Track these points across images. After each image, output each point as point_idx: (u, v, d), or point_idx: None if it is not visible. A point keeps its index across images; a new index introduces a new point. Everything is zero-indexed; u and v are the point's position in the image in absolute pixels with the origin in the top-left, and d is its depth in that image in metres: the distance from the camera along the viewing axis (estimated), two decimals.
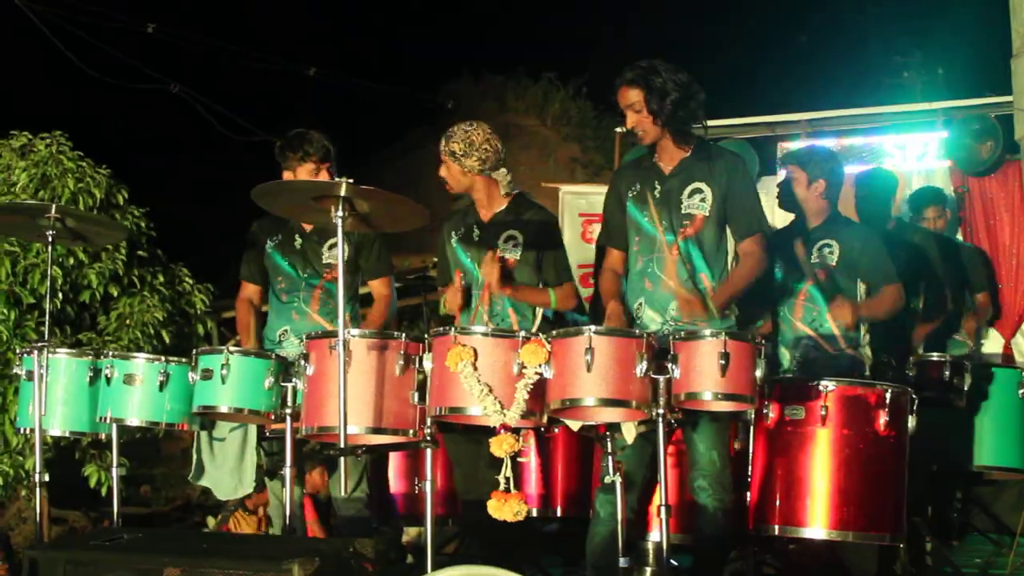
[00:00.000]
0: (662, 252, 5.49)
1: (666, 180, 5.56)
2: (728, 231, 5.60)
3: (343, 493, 5.15)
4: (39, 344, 5.80)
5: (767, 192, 9.62)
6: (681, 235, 5.48)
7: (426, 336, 5.10)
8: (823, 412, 5.47)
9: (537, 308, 6.06)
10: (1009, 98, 8.93)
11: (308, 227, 6.37)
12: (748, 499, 5.68)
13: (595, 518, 5.40)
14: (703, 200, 5.51)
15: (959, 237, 9.52)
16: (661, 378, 4.80)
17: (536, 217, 6.11)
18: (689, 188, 5.51)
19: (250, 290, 6.52)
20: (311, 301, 6.30)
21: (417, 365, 5.06)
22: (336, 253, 6.24)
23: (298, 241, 6.37)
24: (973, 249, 9.01)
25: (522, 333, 4.91)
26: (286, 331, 6.28)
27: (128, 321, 7.65)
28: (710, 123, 10.44)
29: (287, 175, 6.29)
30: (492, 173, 6.05)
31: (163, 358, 5.79)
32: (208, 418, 5.84)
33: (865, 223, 7.14)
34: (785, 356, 6.43)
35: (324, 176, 6.25)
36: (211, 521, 8.13)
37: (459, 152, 6.00)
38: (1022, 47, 8.60)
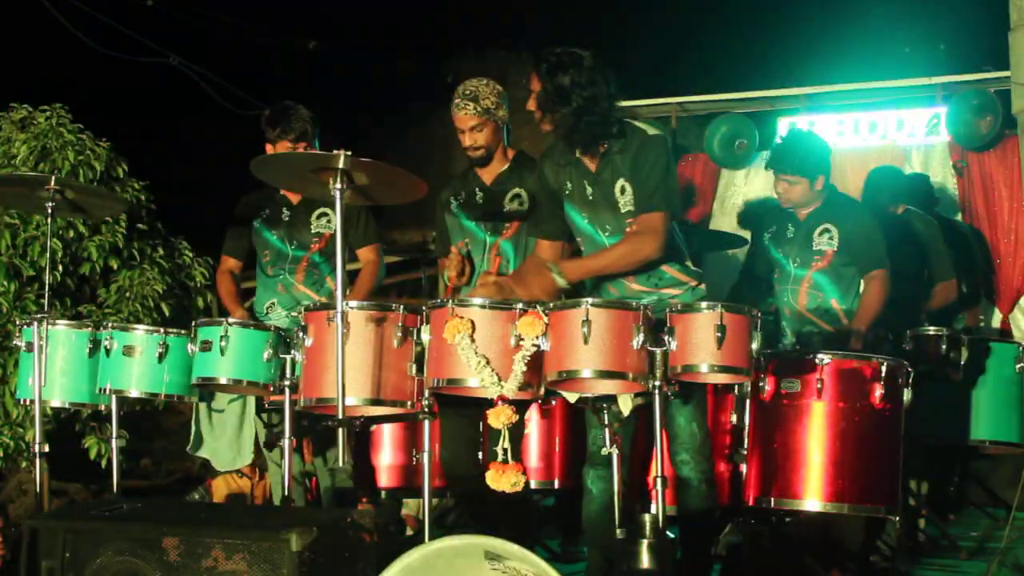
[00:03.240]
0: None
1: (596, 180, 5.31)
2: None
3: (340, 463, 5.17)
4: (39, 316, 5.83)
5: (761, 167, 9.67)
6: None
7: (424, 308, 5.11)
8: (819, 385, 5.47)
9: None
10: (1008, 73, 8.94)
11: (295, 199, 6.39)
12: (744, 472, 5.71)
13: (586, 494, 5.41)
14: (630, 196, 5.26)
15: (959, 217, 9.56)
16: (658, 350, 4.81)
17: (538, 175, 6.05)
18: (618, 185, 5.27)
19: (230, 263, 6.61)
20: (297, 272, 6.34)
21: (415, 337, 5.08)
22: (324, 223, 6.30)
23: (285, 213, 6.41)
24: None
25: (519, 305, 4.91)
26: (273, 304, 6.33)
27: (128, 294, 7.66)
28: (711, 97, 10.61)
29: (269, 148, 6.33)
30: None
31: (162, 330, 5.80)
32: (207, 390, 5.87)
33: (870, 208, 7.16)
34: (788, 336, 6.47)
35: None
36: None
37: (493, 106, 5.94)
38: (1020, 21, 8.58)
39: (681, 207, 5.39)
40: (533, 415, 6.15)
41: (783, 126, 10.23)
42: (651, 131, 5.29)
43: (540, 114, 5.26)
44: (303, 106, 6.41)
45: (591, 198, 5.32)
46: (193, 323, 5.68)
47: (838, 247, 6.41)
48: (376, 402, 5.12)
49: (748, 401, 5.69)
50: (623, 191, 5.26)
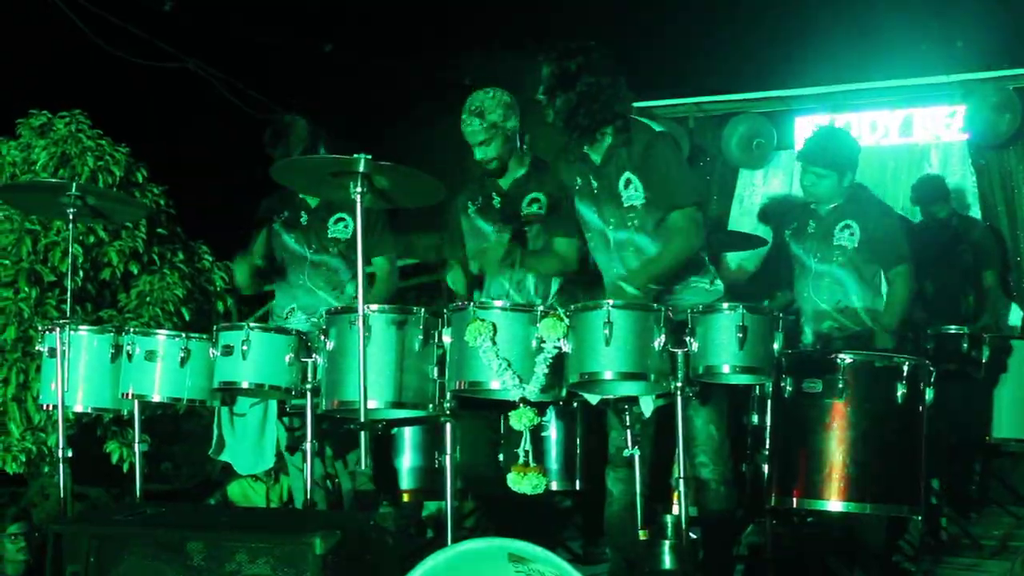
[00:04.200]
0: (618, 250, 5.38)
1: (600, 173, 5.36)
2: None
3: (361, 466, 5.16)
4: (61, 321, 5.85)
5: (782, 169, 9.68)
6: (634, 229, 5.35)
7: (445, 311, 5.10)
8: (840, 385, 5.44)
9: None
10: None
11: (313, 203, 6.39)
12: (766, 473, 5.69)
13: (608, 495, 5.41)
14: (636, 189, 5.31)
15: (977, 215, 9.54)
16: (679, 351, 4.81)
17: (555, 179, 6.05)
18: (623, 179, 5.32)
19: (254, 259, 6.58)
20: (316, 277, 6.33)
21: (436, 340, 5.07)
22: (341, 227, 6.30)
23: (304, 217, 6.39)
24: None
25: (540, 307, 4.90)
26: (293, 308, 6.32)
27: (148, 299, 7.69)
28: (728, 98, 10.60)
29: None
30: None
31: (184, 334, 5.81)
32: (229, 394, 5.87)
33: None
34: (808, 334, 6.46)
35: None
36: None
37: (500, 119, 5.94)
38: None
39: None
40: (553, 417, 6.14)
41: (800, 125, 10.23)
42: (656, 128, 5.35)
43: (546, 100, 5.32)
44: (302, 117, 6.37)
45: (596, 192, 5.36)
46: (214, 327, 5.68)
47: (859, 244, 6.39)
48: (397, 405, 5.11)
49: (769, 401, 5.67)
50: (627, 184, 5.31)
